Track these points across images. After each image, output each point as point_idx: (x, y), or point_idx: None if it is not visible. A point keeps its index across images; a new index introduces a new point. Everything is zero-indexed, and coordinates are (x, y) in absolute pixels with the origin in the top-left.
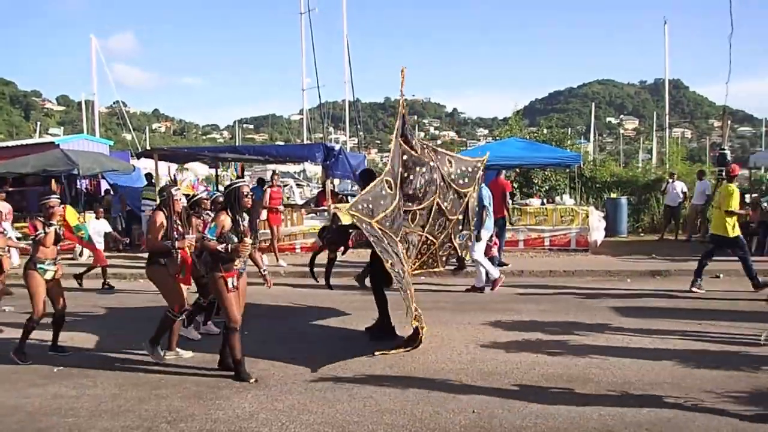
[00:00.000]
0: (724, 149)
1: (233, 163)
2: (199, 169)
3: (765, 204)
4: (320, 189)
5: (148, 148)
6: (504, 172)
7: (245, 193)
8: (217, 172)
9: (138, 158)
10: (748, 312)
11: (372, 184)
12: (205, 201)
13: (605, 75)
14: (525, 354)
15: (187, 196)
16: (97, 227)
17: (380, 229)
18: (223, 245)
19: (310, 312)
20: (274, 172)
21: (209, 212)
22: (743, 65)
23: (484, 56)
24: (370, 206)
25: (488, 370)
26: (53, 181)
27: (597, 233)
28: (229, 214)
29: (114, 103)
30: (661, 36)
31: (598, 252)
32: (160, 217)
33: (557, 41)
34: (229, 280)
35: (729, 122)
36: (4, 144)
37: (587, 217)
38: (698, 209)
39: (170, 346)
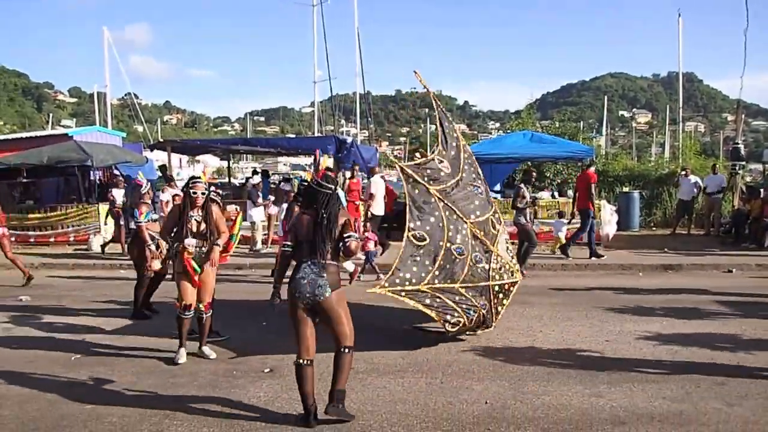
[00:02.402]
0: (737, 143)
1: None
2: (210, 161)
3: None
4: None
5: (161, 139)
6: (595, 164)
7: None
8: (229, 164)
9: (151, 150)
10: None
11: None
12: None
13: (618, 68)
14: (537, 346)
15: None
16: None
17: (439, 199)
18: None
19: None
20: (354, 162)
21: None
22: (758, 59)
23: (495, 48)
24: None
25: (500, 361)
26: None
27: (609, 227)
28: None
29: (126, 95)
30: (675, 29)
31: (611, 246)
32: (175, 210)
33: (570, 33)
34: None
35: (743, 116)
36: (18, 135)
37: (600, 210)
38: (714, 203)
39: (199, 344)
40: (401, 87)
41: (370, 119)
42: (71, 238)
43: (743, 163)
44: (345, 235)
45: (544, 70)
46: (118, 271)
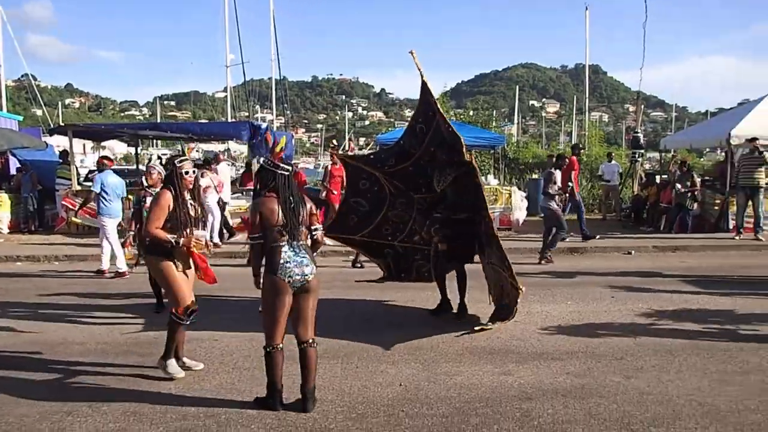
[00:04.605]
0: (637, 133)
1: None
2: (117, 147)
3: (678, 186)
4: (245, 169)
5: (62, 124)
6: (579, 151)
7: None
8: (137, 150)
9: (51, 135)
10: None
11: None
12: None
13: (529, 59)
14: (449, 328)
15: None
16: None
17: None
18: None
19: (245, 291)
20: (343, 146)
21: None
22: (657, 52)
23: (411, 37)
24: None
25: (414, 345)
26: None
27: (519, 212)
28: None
29: (22, 76)
30: (583, 22)
31: (521, 230)
32: (167, 198)
33: (484, 24)
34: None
35: (642, 107)
36: None
37: (510, 197)
38: (610, 189)
39: (176, 354)
40: (318, 73)
41: (286, 105)
42: None
43: (642, 151)
44: (312, 228)
45: (459, 60)
46: (15, 264)
